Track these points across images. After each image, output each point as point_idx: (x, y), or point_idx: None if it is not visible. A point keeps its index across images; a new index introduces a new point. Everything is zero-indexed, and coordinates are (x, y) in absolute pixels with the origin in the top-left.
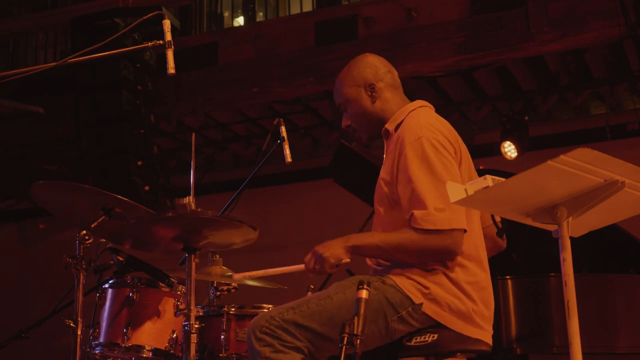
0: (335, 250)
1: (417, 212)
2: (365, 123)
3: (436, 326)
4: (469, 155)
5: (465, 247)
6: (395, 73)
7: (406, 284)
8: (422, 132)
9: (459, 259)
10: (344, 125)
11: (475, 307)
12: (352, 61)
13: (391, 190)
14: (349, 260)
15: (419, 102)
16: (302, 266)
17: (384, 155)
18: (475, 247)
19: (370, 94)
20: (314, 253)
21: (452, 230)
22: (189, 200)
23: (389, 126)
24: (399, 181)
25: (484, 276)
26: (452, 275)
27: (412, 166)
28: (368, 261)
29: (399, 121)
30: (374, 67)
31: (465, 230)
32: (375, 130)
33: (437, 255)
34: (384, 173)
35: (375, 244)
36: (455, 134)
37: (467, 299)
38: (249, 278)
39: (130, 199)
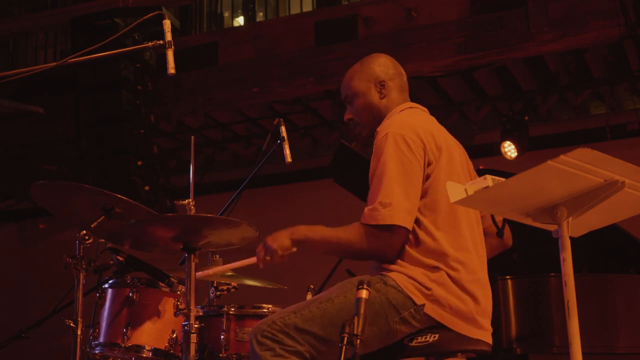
0: (282, 241)
1: (366, 209)
2: (369, 117)
3: (437, 326)
4: (466, 155)
5: (468, 244)
6: (405, 76)
7: (407, 284)
8: (390, 128)
9: (457, 256)
10: (346, 119)
11: (478, 306)
12: (365, 58)
13: None
14: (295, 249)
15: (407, 104)
16: (254, 259)
17: None
18: (475, 245)
19: (379, 90)
20: (264, 244)
21: (394, 225)
22: (189, 202)
23: (379, 128)
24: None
25: (483, 274)
26: (454, 274)
27: (372, 164)
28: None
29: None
30: (386, 66)
31: (408, 230)
32: (376, 126)
33: (373, 256)
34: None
35: (315, 240)
36: (437, 132)
37: (469, 298)
38: (211, 274)
39: (130, 199)
